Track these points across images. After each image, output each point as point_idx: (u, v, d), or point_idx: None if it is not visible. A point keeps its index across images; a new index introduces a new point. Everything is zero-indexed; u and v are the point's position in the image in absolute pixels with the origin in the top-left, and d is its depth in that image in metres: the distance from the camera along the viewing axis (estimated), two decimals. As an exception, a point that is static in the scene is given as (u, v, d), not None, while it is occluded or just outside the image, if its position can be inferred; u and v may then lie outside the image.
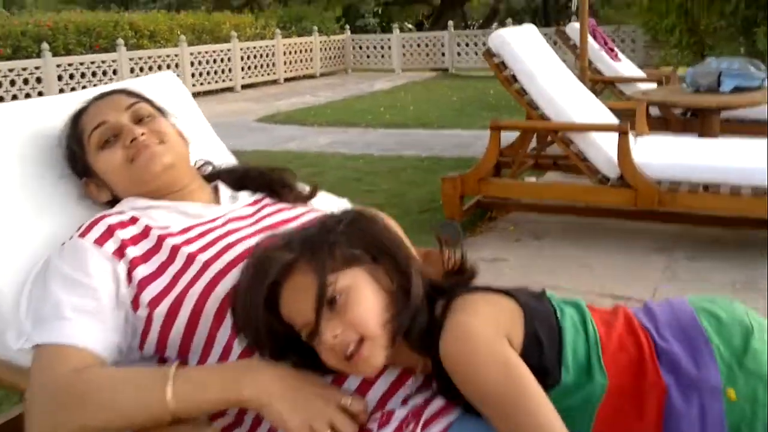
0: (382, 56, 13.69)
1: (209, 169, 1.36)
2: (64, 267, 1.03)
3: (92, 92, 1.33)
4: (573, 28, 5.15)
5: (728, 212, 3.15)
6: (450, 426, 0.89)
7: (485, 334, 0.82)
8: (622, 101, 4.63)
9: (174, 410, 0.89)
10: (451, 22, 13.70)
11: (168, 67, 9.62)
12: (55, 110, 1.31)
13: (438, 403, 0.92)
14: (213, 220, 1.14)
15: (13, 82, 7.80)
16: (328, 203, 1.39)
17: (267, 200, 1.24)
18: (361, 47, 13.83)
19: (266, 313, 0.88)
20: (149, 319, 1.01)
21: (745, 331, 0.88)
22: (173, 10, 13.24)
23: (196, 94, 10.19)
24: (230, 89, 10.89)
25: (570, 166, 3.61)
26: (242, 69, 11.01)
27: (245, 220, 1.16)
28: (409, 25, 22.13)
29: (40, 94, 8.07)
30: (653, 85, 4.80)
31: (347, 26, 13.91)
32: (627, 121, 3.25)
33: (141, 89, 1.32)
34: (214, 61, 10.50)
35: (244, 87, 11.10)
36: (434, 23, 21.47)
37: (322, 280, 0.84)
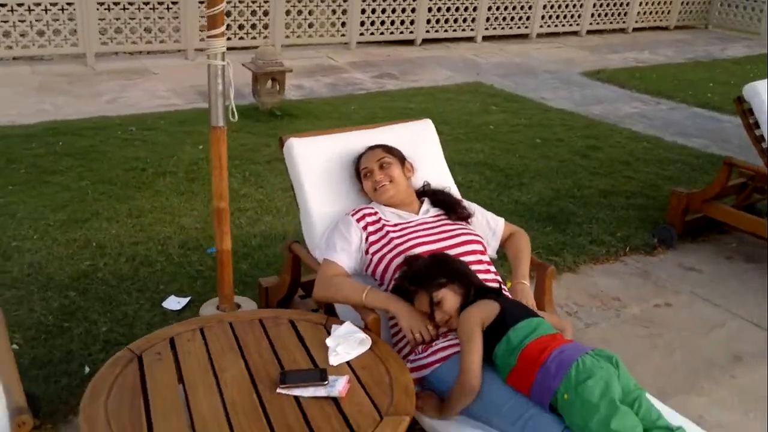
0: (750, 17, 12.74)
1: (427, 187, 2.54)
2: (340, 227, 2.34)
3: (376, 136, 2.59)
4: None
5: None
6: (453, 356, 2.00)
7: (473, 315, 1.90)
8: None
9: (363, 303, 2.15)
10: None
11: (523, 8, 10.64)
12: (355, 141, 2.60)
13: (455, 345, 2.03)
14: (410, 222, 2.34)
15: (394, 10, 9.65)
16: (485, 218, 2.48)
17: (442, 216, 2.39)
18: (729, 3, 13.00)
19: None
20: (369, 261, 2.28)
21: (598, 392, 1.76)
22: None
23: (542, 35, 11.14)
24: (576, 33, 11.52)
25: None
26: (592, 15, 11.50)
27: (425, 224, 2.33)
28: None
29: (412, 23, 9.82)
30: None
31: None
32: None
33: (396, 135, 2.55)
34: (566, 5, 11.18)
35: (589, 32, 11.61)
36: None
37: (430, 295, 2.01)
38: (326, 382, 1.81)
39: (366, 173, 2.45)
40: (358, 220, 2.34)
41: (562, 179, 5.08)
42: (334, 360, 1.92)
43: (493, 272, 2.29)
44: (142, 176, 4.78)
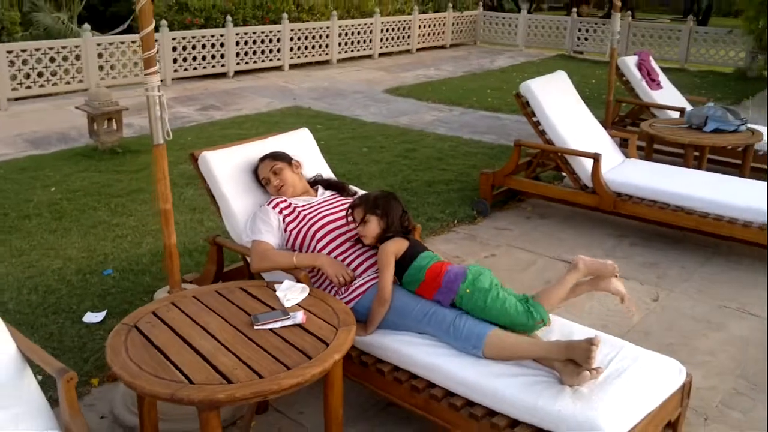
0: (509, 33, 15.03)
1: (318, 178, 3.29)
2: (260, 215, 3.00)
3: (270, 144, 3.29)
4: (624, 62, 6.52)
5: (666, 220, 4.63)
6: (369, 289, 2.77)
7: (389, 247, 2.69)
8: (642, 127, 5.99)
9: (295, 264, 2.84)
10: (575, 10, 14.72)
11: (321, 37, 11.69)
12: (254, 150, 3.28)
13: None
14: (314, 202, 3.07)
15: (204, 46, 10.17)
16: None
17: (336, 195, 3.15)
18: (491, 23, 15.23)
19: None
20: (288, 236, 2.97)
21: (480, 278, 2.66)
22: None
23: (341, 60, 12.26)
24: (369, 56, 12.84)
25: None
26: (381, 40, 12.89)
27: (326, 202, 3.08)
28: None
29: (222, 56, 10.40)
30: (676, 114, 6.15)
31: (480, 3, 15.34)
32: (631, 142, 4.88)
33: (285, 142, 3.27)
34: (359, 32, 12.45)
35: (381, 55, 13.00)
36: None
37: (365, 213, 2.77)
38: (289, 316, 2.49)
39: (265, 182, 3.14)
40: (273, 207, 3.02)
41: (392, 177, 6.04)
42: (287, 303, 2.58)
43: None
44: (7, 220, 4.93)
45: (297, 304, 2.60)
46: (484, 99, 9.73)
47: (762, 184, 4.60)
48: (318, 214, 3.01)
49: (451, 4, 14.36)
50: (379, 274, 2.69)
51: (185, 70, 10.10)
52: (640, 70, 6.54)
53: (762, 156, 5.75)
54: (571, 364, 2.35)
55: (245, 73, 10.89)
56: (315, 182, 3.28)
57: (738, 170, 5.47)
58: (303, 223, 2.98)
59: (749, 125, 5.53)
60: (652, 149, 5.70)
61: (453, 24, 14.48)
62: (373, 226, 2.79)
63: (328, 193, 3.20)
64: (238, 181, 3.20)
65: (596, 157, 4.69)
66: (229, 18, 10.35)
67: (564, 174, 5.67)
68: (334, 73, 11.55)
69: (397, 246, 2.73)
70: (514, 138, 7.41)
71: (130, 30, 11.79)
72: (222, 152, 3.25)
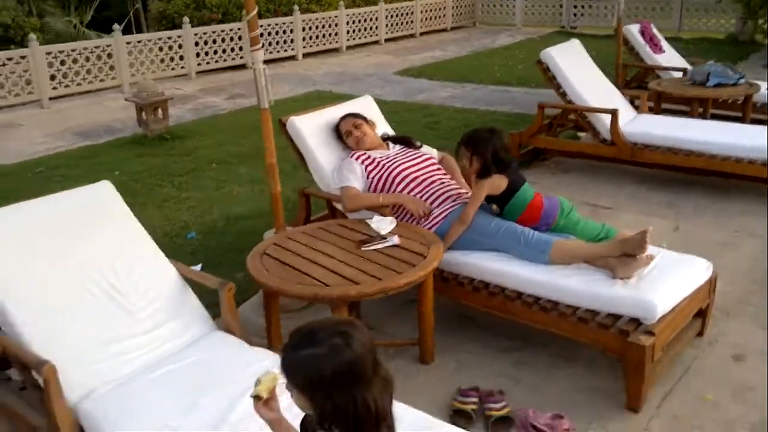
0: (507, 12, 15.55)
1: (386, 135, 3.85)
2: (345, 166, 3.56)
3: (342, 109, 3.84)
4: (628, 30, 7.07)
5: (679, 164, 5.18)
6: (446, 217, 3.33)
7: (483, 186, 3.21)
8: (651, 85, 6.54)
9: (381, 203, 3.40)
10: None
11: (330, 26, 12.22)
12: (332, 114, 3.83)
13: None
14: (389, 154, 3.63)
15: (223, 40, 10.69)
16: (426, 147, 3.84)
17: (405, 148, 3.71)
18: (489, 4, 15.74)
19: None
20: (371, 182, 3.53)
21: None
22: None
23: (350, 47, 12.78)
24: (376, 42, 13.35)
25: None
26: (386, 26, 13.41)
27: (399, 153, 3.64)
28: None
29: (240, 49, 10.92)
30: (679, 74, 6.70)
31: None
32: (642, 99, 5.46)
33: (353, 107, 3.83)
34: (365, 20, 12.96)
35: (386, 41, 13.51)
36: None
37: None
38: (387, 239, 3.05)
39: (347, 134, 3.70)
40: (356, 159, 3.57)
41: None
42: (382, 232, 3.15)
43: (442, 173, 3.63)
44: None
45: (390, 231, 3.17)
46: (491, 75, 10.27)
47: (761, 127, 5.17)
48: (394, 162, 3.57)
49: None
50: (469, 203, 3.22)
51: (207, 63, 10.61)
52: (643, 36, 7.09)
53: (760, 107, 6.29)
54: (625, 257, 2.92)
55: (264, 64, 11.37)
56: (385, 138, 3.83)
57: (739, 120, 6.03)
58: (383, 170, 3.54)
59: (747, 79, 6.09)
60: (660, 105, 6.26)
61: (453, 7, 14.99)
62: (474, 165, 3.26)
63: (398, 146, 3.75)
64: (321, 139, 3.76)
65: (614, 113, 5.24)
66: (245, 12, 10.82)
67: (580, 134, 6.23)
68: (345, 59, 12.07)
69: (493, 185, 3.22)
70: (525, 108, 8.04)
71: (134, 30, 12.25)
72: (305, 117, 3.81)
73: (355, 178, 3.52)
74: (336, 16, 12.32)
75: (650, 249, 3.07)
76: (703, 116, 5.94)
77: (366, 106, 4.10)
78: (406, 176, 3.51)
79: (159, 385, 2.34)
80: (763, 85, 6.22)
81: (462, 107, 8.29)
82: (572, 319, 2.90)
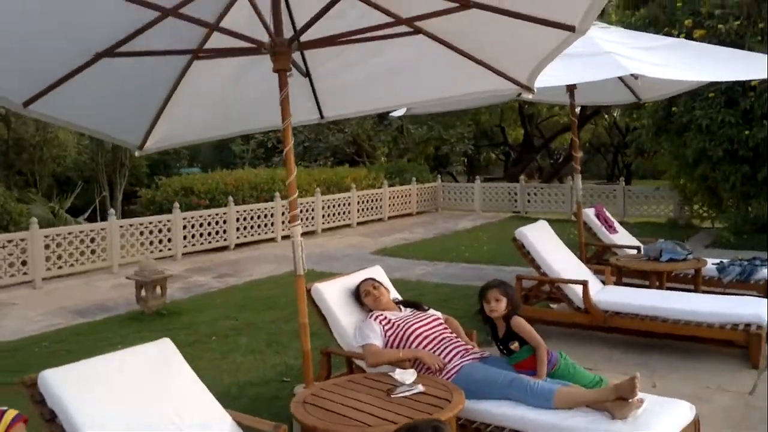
0: (466, 200, 16.93)
1: (397, 299, 4.37)
2: (365, 326, 4.03)
3: (357, 277, 4.39)
4: (586, 213, 8.02)
5: (647, 329, 5.77)
6: (459, 370, 3.78)
7: (526, 323, 3.72)
8: (611, 260, 7.34)
9: (401, 358, 3.82)
10: (522, 177, 16.88)
11: (307, 210, 13.15)
12: (350, 281, 4.36)
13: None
14: (402, 316, 4.13)
15: (209, 223, 11.39)
16: (435, 313, 4.36)
17: (414, 310, 4.23)
18: (449, 192, 17.16)
19: None
20: (387, 340, 3.99)
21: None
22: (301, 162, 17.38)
23: (325, 230, 13.63)
24: (348, 225, 14.29)
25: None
26: (357, 211, 14.45)
27: (411, 315, 4.14)
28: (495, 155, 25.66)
29: (225, 231, 11.61)
30: (633, 251, 7.55)
31: (439, 176, 17.39)
32: (602, 274, 6.12)
33: (366, 274, 4.38)
34: (339, 205, 14.00)
35: (358, 224, 14.48)
36: (515, 164, 24.89)
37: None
38: (414, 387, 3.46)
39: (366, 294, 4.21)
40: (374, 319, 4.05)
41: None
42: (407, 382, 3.55)
43: (449, 332, 4.12)
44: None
45: (413, 381, 3.57)
46: (461, 254, 11.09)
47: (713, 296, 5.88)
48: (408, 322, 4.06)
49: (414, 178, 16.28)
50: (532, 335, 3.82)
51: (193, 245, 11.21)
52: (598, 218, 8.03)
53: (708, 280, 7.08)
54: (619, 400, 3.37)
55: (244, 246, 12.06)
56: (397, 302, 4.35)
57: (692, 288, 6.76)
58: (399, 329, 4.01)
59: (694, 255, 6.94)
60: (621, 278, 7.00)
61: (417, 194, 16.30)
62: (503, 305, 3.88)
63: (409, 309, 4.26)
64: (341, 302, 4.25)
65: (585, 283, 5.91)
66: (231, 198, 11.72)
67: (552, 305, 6.85)
68: (321, 241, 12.85)
69: (525, 326, 3.81)
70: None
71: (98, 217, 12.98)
72: (326, 283, 4.33)
73: (375, 337, 3.97)
74: (313, 202, 13.30)
75: (640, 395, 3.54)
76: (659, 287, 6.66)
77: (376, 274, 4.66)
78: (420, 335, 3.99)
79: None
80: (709, 260, 7.06)
81: (438, 282, 8.92)
82: (581, 457, 3.28)
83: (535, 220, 15.39)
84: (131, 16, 3.73)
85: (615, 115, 23.95)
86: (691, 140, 11.15)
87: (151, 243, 10.53)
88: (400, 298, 4.57)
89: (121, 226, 10.11)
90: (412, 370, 3.67)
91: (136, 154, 5.15)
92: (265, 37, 3.79)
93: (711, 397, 4.75)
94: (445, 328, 4.12)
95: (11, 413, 2.28)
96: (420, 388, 3.45)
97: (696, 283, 6.77)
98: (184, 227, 11.00)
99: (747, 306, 5.58)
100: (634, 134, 14.41)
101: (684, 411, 3.56)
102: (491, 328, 4.07)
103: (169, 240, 10.82)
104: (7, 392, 4.75)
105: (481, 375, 3.70)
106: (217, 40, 4.16)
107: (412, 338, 3.97)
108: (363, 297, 4.25)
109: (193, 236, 11.17)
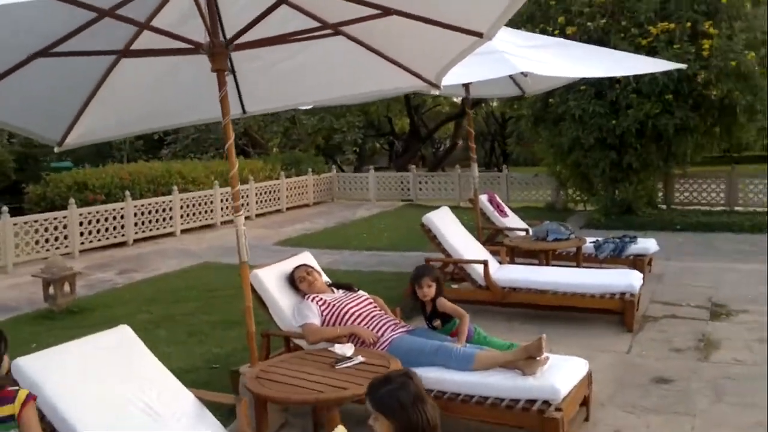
0: (361, 189, 17.45)
1: (329, 282, 4.76)
2: (303, 306, 4.41)
3: (290, 263, 4.75)
4: (480, 199, 8.72)
5: (540, 302, 6.50)
6: (391, 343, 4.25)
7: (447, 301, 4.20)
8: (504, 241, 8.07)
9: (339, 334, 4.23)
10: (413, 166, 17.62)
11: (206, 203, 13.13)
12: (286, 268, 4.71)
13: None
14: (336, 296, 4.53)
15: (106, 219, 11.17)
16: (364, 293, 4.79)
17: (348, 292, 4.64)
18: (345, 182, 17.62)
19: None
20: (324, 319, 4.38)
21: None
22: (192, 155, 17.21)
23: (224, 222, 13.67)
24: (248, 217, 14.38)
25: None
26: (256, 202, 14.57)
27: (344, 295, 4.55)
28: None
29: (123, 227, 11.43)
30: (523, 233, 8.34)
31: (334, 167, 17.80)
32: (497, 254, 6.77)
33: (297, 261, 4.75)
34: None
35: (257, 215, 14.62)
36: (402, 154, 25.73)
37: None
38: (354, 359, 3.87)
39: (301, 280, 4.57)
40: (312, 300, 4.42)
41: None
42: (348, 354, 3.96)
43: (379, 309, 4.56)
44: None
45: (353, 354, 3.99)
46: (363, 242, 11.57)
47: (592, 271, 6.70)
48: (342, 302, 4.46)
49: (310, 169, 16.59)
50: (456, 310, 4.41)
51: (90, 242, 10.95)
52: (491, 203, 8.77)
53: (587, 256, 7.96)
54: (529, 359, 3.95)
55: (143, 241, 11.91)
56: (329, 284, 4.74)
57: (574, 264, 7.61)
58: (334, 309, 4.41)
59: (575, 234, 7.80)
60: (513, 257, 7.75)
61: (314, 185, 16.62)
62: (433, 290, 4.39)
63: (341, 291, 4.66)
64: (278, 287, 4.58)
65: (485, 263, 6.56)
66: (128, 193, 11.53)
67: (454, 285, 7.48)
68: (221, 234, 12.90)
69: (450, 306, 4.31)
70: (400, 268, 9.27)
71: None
72: (263, 270, 4.64)
73: (314, 316, 4.35)
74: (211, 194, 13.31)
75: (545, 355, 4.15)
76: (546, 264, 7.45)
77: (307, 259, 5.02)
78: (353, 313, 4.41)
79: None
80: (588, 239, 7.96)
81: (347, 270, 9.33)
82: (501, 408, 3.83)
83: (427, 207, 16.19)
84: (63, 17, 3.86)
85: (492, 104, 25.36)
86: (566, 129, 12.19)
87: (46, 240, 10.22)
88: (329, 281, 4.95)
89: (14, 224, 9.74)
90: (350, 344, 4.08)
91: (55, 149, 5.16)
92: (199, 38, 4.04)
93: (596, 357, 5.48)
94: (375, 307, 4.56)
95: (23, 392, 2.45)
96: (360, 358, 3.87)
97: (577, 259, 7.61)
98: (81, 224, 10.73)
99: (621, 277, 6.41)
100: (514, 124, 15.45)
101: (581, 365, 4.21)
102: (421, 308, 4.57)
103: (66, 237, 10.53)
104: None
105: (410, 345, 4.17)
106: (147, 40, 4.35)
107: (347, 316, 4.38)
108: (298, 282, 4.60)
109: (90, 233, 10.92)
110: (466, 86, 7.69)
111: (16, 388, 2.46)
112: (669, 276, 8.05)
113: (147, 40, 4.36)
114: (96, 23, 3.96)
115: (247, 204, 14.35)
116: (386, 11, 4.02)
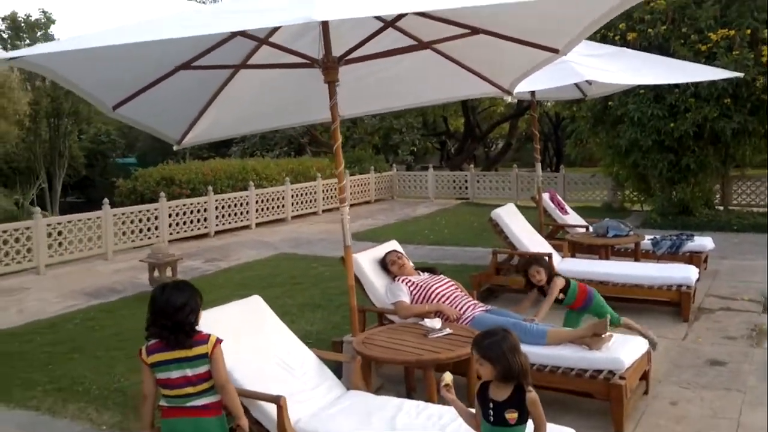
0: (420, 187, 18.11)
1: (415, 266, 5.44)
2: (394, 287, 5.10)
3: (383, 249, 5.44)
4: (543, 197, 9.27)
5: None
6: (473, 318, 4.89)
7: (557, 283, 4.88)
8: (566, 237, 8.60)
9: (427, 310, 4.89)
10: (471, 165, 18.15)
11: (278, 199, 14.01)
12: (377, 253, 5.40)
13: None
14: (423, 278, 5.21)
15: (192, 212, 12.13)
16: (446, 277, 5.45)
17: (432, 275, 5.31)
18: (404, 180, 18.31)
19: None
20: (413, 297, 5.06)
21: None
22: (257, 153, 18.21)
23: (294, 217, 14.52)
24: (315, 213, 15.23)
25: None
26: (323, 199, 15.40)
27: (429, 278, 5.23)
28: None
29: (205, 219, 12.37)
30: (582, 230, 8.85)
31: (394, 166, 18.52)
32: (559, 249, 7.33)
33: (384, 248, 5.44)
34: (307, 193, 14.91)
35: (324, 211, 15.44)
36: (458, 153, 26.26)
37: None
38: (443, 330, 4.53)
39: (392, 263, 5.26)
40: (402, 281, 5.10)
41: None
42: (437, 326, 4.61)
43: (460, 290, 5.21)
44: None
45: (441, 327, 4.65)
46: (426, 237, 12.22)
47: (650, 265, 7.20)
48: (428, 284, 5.13)
49: (372, 167, 17.35)
50: (550, 292, 5.13)
51: (177, 233, 11.92)
52: (552, 201, 9.31)
53: (644, 252, 8.42)
54: (595, 336, 4.54)
55: (222, 233, 12.84)
56: (416, 268, 5.41)
57: (632, 258, 8.09)
58: (422, 289, 5.08)
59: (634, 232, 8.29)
60: (574, 252, 8.28)
61: (375, 183, 17.37)
62: (543, 275, 5.17)
63: (426, 273, 5.33)
64: (373, 269, 5.28)
65: (549, 255, 7.11)
66: (210, 188, 12.48)
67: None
68: (293, 227, 13.75)
69: (558, 282, 5.07)
70: (462, 260, 9.89)
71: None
72: (360, 254, 5.34)
73: (404, 295, 5.03)
74: (283, 191, 14.18)
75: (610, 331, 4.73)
76: (606, 258, 7.96)
77: (396, 246, 5.71)
78: (439, 293, 5.07)
79: (340, 414, 3.61)
80: (646, 236, 8.43)
81: (415, 261, 10.00)
82: (571, 376, 4.44)
83: (484, 205, 16.80)
84: (203, 38, 4.62)
85: (547, 105, 25.64)
86: (625, 131, 12.56)
87: (140, 231, 11.20)
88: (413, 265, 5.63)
89: (114, 215, 10.74)
90: (438, 319, 4.74)
91: (174, 148, 5.96)
92: (310, 53, 4.75)
93: (659, 342, 6.01)
94: (457, 288, 5.22)
95: (213, 336, 3.17)
96: (449, 330, 4.53)
97: (636, 255, 8.10)
98: (170, 215, 11.70)
99: (678, 271, 6.90)
100: (573, 125, 15.85)
101: (641, 344, 4.77)
102: (538, 290, 5.38)
103: (156, 228, 11.51)
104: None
105: (489, 321, 4.79)
106: (265, 53, 5.08)
107: (433, 296, 5.05)
108: (390, 265, 5.29)
109: (177, 224, 11.88)
110: (532, 91, 8.25)
111: (208, 333, 3.18)
112: (724, 273, 8.46)
113: (265, 53, 5.12)
114: (228, 42, 4.74)
115: (315, 200, 15.18)
116: (474, 30, 4.66)
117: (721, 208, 13.76)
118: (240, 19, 3.39)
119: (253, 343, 3.92)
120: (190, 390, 3.06)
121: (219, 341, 3.14)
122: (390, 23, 4.70)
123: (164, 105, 5.23)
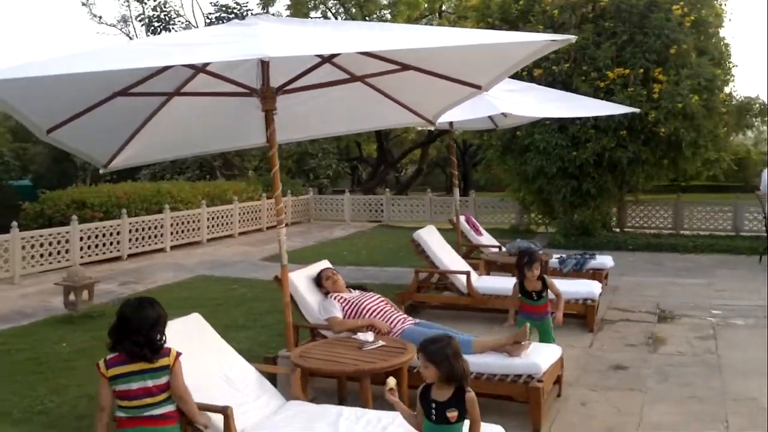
0: (336, 210, 18.37)
1: (347, 283, 5.69)
2: (327, 303, 5.33)
3: (312, 270, 5.66)
4: (461, 220, 9.75)
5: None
6: (404, 330, 5.19)
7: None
8: (480, 256, 9.10)
9: (360, 325, 5.14)
10: (387, 189, 18.61)
11: (193, 221, 13.87)
12: (311, 271, 5.61)
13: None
14: (353, 294, 5.46)
15: (104, 235, 11.84)
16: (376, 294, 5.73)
17: (363, 291, 5.57)
18: (321, 203, 18.52)
19: None
20: (345, 313, 5.30)
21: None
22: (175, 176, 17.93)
23: (210, 240, 14.41)
24: (231, 236, 15.16)
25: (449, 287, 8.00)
26: (239, 221, 15.36)
27: (361, 294, 5.48)
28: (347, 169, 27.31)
29: (118, 243, 12.10)
30: (496, 249, 9.38)
31: (310, 189, 18.71)
32: (476, 267, 7.76)
33: (313, 270, 5.68)
34: (222, 216, 14.84)
35: (240, 234, 15.39)
36: (371, 178, 26.78)
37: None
38: (376, 343, 4.79)
39: (326, 278, 5.48)
40: (334, 298, 5.33)
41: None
42: (370, 339, 4.86)
43: (390, 305, 5.49)
44: (58, 362, 6.39)
45: (374, 339, 4.91)
46: (344, 258, 12.45)
47: (557, 281, 7.74)
48: (360, 300, 5.39)
49: (289, 191, 17.46)
50: (556, 288, 5.60)
51: (89, 256, 11.59)
52: (467, 223, 9.80)
53: (552, 270, 9.01)
54: (515, 344, 4.93)
55: (136, 256, 12.58)
56: (348, 285, 5.66)
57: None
58: (354, 305, 5.33)
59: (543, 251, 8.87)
60: (489, 270, 8.77)
61: (292, 206, 17.48)
62: (539, 271, 5.58)
63: (357, 291, 5.59)
64: (307, 287, 5.48)
65: (468, 273, 7.55)
66: (124, 210, 12.23)
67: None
68: (208, 250, 13.65)
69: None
70: (383, 280, 10.20)
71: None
72: (294, 273, 5.53)
73: (337, 311, 5.26)
74: (199, 213, 14.06)
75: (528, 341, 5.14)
76: (519, 277, 8.48)
77: (328, 265, 5.93)
78: (370, 308, 5.33)
79: (284, 422, 3.79)
80: (554, 255, 9.05)
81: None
82: (494, 381, 4.80)
83: (399, 228, 17.23)
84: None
85: (455, 133, 26.66)
86: (531, 159, 13.37)
87: (50, 254, 10.84)
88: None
89: (23, 238, 10.35)
90: (370, 332, 5.00)
91: (101, 171, 5.97)
92: (247, 81, 4.96)
93: (564, 351, 6.45)
94: (387, 303, 5.50)
95: (174, 350, 3.27)
96: (381, 342, 4.79)
97: (545, 272, 8.67)
98: (81, 239, 11.38)
99: (583, 287, 7.48)
100: (483, 152, 16.61)
101: (556, 350, 5.22)
102: (521, 288, 5.71)
103: (67, 251, 11.16)
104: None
105: (418, 334, 5.09)
106: (203, 81, 5.23)
107: (364, 311, 5.30)
108: (324, 280, 5.51)
109: (89, 247, 11.57)
110: (451, 122, 8.74)
111: (170, 347, 3.29)
112: (623, 288, 9.20)
113: (202, 81, 5.26)
114: (166, 70, 4.86)
115: (231, 223, 15.13)
116: (405, 67, 5.02)
117: (618, 230, 14.82)
118: (194, 52, 3.57)
119: (196, 358, 4.02)
120: (149, 400, 3.18)
121: (179, 354, 3.27)
122: (327, 59, 4.98)
123: (97, 129, 5.26)
